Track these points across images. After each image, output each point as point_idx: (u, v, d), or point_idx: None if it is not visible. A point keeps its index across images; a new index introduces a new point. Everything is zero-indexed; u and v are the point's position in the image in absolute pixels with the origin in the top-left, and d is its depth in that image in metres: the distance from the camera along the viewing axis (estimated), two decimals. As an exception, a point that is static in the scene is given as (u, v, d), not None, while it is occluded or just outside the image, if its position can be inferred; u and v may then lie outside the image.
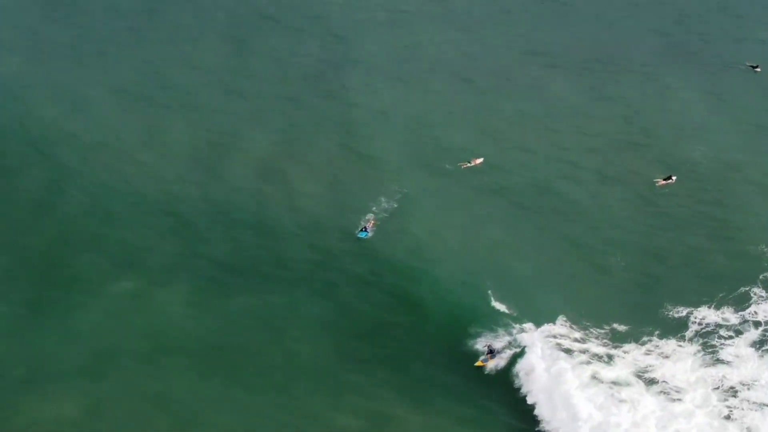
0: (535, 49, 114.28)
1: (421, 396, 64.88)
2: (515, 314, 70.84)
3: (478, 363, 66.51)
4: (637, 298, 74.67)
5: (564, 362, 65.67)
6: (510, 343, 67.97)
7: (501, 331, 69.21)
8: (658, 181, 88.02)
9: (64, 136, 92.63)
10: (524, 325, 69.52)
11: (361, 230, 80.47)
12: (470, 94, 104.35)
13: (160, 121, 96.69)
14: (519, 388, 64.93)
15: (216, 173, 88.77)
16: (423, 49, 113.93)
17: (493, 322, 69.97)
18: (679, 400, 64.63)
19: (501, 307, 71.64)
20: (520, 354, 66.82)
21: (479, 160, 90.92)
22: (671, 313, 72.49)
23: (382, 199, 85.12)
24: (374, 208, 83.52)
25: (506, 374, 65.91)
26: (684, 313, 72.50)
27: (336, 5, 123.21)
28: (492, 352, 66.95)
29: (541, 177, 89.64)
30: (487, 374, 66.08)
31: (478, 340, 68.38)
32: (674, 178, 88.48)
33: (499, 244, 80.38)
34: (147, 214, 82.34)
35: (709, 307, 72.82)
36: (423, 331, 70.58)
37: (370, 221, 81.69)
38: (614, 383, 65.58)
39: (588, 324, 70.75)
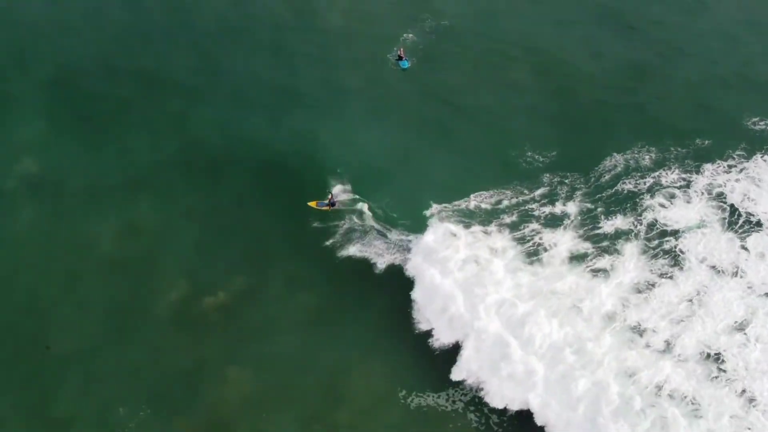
0: None
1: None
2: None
3: (312, 203, 60.54)
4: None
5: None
6: None
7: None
8: None
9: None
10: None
11: (398, 59, 71.14)
12: None
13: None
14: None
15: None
16: None
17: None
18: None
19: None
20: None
21: None
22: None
23: (428, 18, 74.87)
24: (410, 29, 73.40)
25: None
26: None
27: None
28: (333, 205, 60.43)
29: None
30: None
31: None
32: None
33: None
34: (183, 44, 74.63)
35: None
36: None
37: (400, 48, 71.90)
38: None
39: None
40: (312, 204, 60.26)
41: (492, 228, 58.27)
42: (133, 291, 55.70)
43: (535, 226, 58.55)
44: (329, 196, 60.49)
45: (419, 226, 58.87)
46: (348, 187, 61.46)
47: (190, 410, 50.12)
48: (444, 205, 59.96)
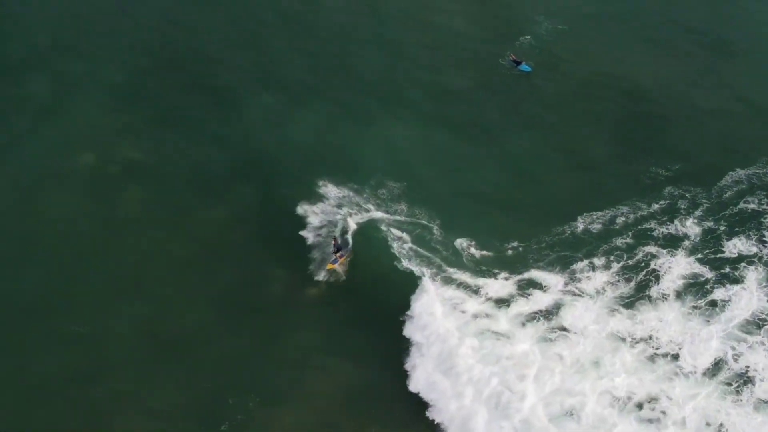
0: None
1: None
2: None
3: (329, 266, 55.60)
4: None
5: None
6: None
7: None
8: None
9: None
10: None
11: (513, 63, 69.16)
12: None
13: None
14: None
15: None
16: None
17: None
18: None
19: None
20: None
21: None
22: None
23: (543, 21, 73.18)
24: (526, 32, 72.09)
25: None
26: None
27: None
28: (339, 250, 55.97)
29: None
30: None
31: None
32: None
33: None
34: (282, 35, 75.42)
35: None
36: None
37: (511, 54, 70.07)
38: None
39: None
40: (330, 266, 56.00)
41: (599, 260, 55.22)
42: (236, 280, 55.39)
43: (651, 249, 55.72)
44: (332, 246, 56.56)
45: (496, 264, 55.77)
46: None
47: (296, 401, 49.50)
48: (537, 238, 56.97)
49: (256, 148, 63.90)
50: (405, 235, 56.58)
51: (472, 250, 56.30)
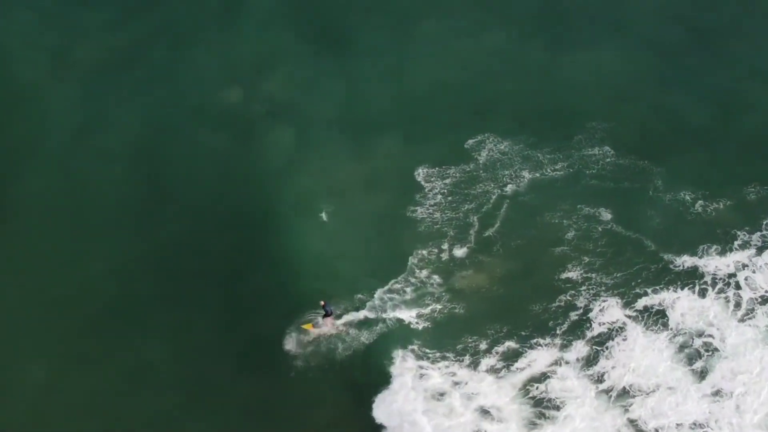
0: None
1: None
2: None
3: (307, 326, 45.57)
4: None
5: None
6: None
7: None
8: None
9: None
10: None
11: None
12: None
13: None
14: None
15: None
16: None
17: None
18: None
19: None
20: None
21: None
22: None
23: None
24: None
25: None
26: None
27: None
28: (328, 314, 45.19)
29: None
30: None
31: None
32: None
33: None
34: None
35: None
36: None
37: None
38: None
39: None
40: (307, 327, 46.53)
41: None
42: (386, 238, 48.54)
43: None
44: (322, 303, 46.10)
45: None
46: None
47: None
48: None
49: (416, 86, 56.03)
50: (604, 213, 46.49)
51: (698, 205, 46.09)
